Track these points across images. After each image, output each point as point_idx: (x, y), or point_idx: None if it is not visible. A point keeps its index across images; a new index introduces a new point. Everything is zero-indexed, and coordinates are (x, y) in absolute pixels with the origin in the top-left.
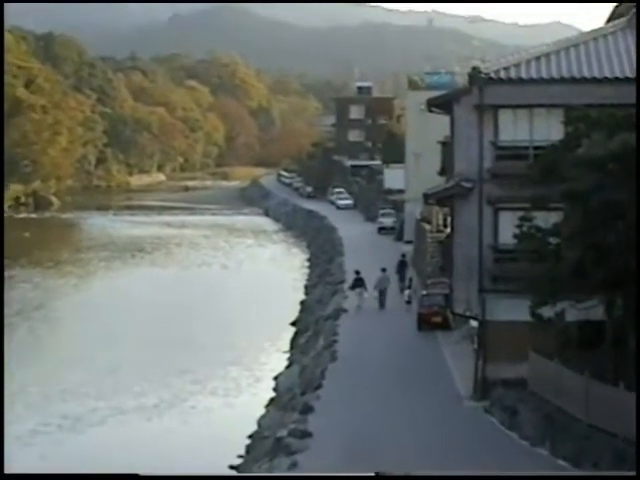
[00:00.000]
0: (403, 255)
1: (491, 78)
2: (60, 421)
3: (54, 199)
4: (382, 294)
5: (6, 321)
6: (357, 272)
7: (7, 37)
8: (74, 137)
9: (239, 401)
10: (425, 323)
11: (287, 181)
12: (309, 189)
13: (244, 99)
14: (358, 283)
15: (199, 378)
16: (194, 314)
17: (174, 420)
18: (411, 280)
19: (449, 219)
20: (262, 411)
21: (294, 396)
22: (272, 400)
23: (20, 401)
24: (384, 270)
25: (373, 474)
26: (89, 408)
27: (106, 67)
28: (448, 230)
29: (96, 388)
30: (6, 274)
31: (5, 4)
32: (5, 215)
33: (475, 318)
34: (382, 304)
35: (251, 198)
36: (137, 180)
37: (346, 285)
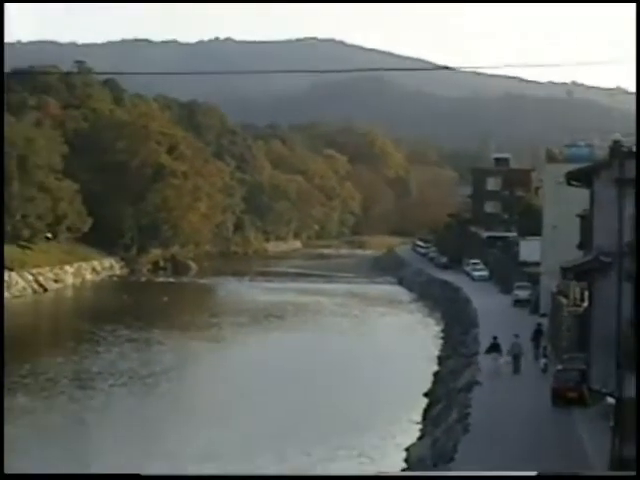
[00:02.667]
0: (539, 324)
1: (632, 152)
2: None
3: (192, 264)
4: (516, 359)
5: (145, 381)
6: (494, 337)
7: (153, 105)
8: (213, 203)
9: (369, 470)
10: (560, 398)
11: (422, 251)
12: (444, 259)
13: (381, 168)
14: (494, 348)
15: (330, 446)
16: (327, 381)
17: None
18: (545, 348)
19: (586, 293)
20: None
21: (425, 468)
22: (404, 471)
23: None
24: (517, 336)
25: (373, 474)
26: (224, 471)
27: (246, 135)
28: (585, 304)
29: (234, 450)
30: (144, 336)
31: (5, 4)
32: (144, 279)
33: (612, 395)
34: (516, 369)
35: (386, 267)
36: (273, 247)
37: (479, 357)
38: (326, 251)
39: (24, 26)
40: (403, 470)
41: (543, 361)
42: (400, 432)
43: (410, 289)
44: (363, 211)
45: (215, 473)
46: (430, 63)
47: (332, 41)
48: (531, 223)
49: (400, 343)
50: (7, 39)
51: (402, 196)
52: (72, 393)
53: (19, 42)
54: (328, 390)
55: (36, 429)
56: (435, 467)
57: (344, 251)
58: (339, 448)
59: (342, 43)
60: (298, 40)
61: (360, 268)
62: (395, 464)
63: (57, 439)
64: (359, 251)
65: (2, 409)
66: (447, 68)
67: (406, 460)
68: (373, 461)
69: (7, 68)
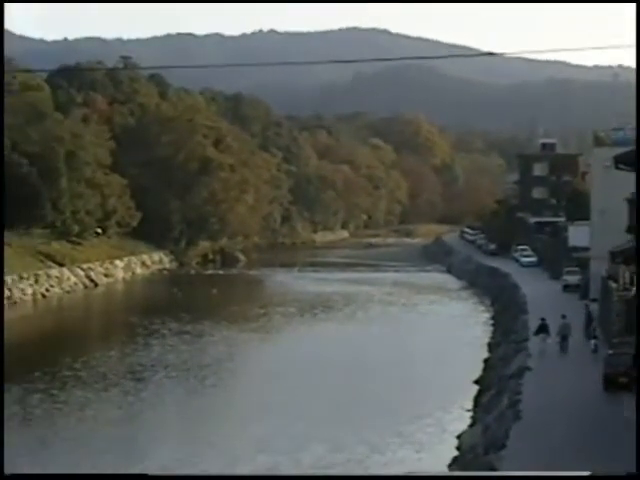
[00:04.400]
0: (587, 305)
1: None
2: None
3: (241, 256)
4: (564, 339)
5: (196, 372)
6: (542, 319)
7: (198, 99)
8: (260, 195)
9: (423, 458)
10: (612, 383)
11: (470, 238)
12: (492, 246)
13: (427, 156)
14: (542, 329)
15: (384, 435)
16: (378, 370)
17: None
18: (595, 329)
19: (636, 277)
20: (445, 470)
21: (477, 456)
22: (455, 459)
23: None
24: (564, 317)
25: (373, 474)
26: (274, 463)
27: (292, 126)
28: (635, 289)
29: (289, 441)
30: (194, 328)
31: (5, 4)
32: (193, 272)
33: None
34: (564, 349)
35: (434, 255)
36: (321, 237)
37: (529, 343)
38: (374, 240)
39: (70, 24)
40: (454, 458)
41: (593, 342)
42: (452, 419)
43: (459, 277)
44: (410, 200)
45: (215, 473)
46: (475, 50)
47: (375, 30)
48: (579, 208)
49: (450, 331)
50: (54, 37)
51: (449, 184)
52: (125, 386)
53: (65, 39)
54: (379, 379)
55: (94, 422)
56: (486, 454)
57: (392, 240)
58: (393, 436)
59: (386, 32)
60: (341, 30)
61: (408, 257)
62: (447, 452)
63: (113, 432)
64: (407, 240)
65: (2, 409)
66: (492, 54)
67: (458, 448)
68: (426, 449)
69: (55, 65)
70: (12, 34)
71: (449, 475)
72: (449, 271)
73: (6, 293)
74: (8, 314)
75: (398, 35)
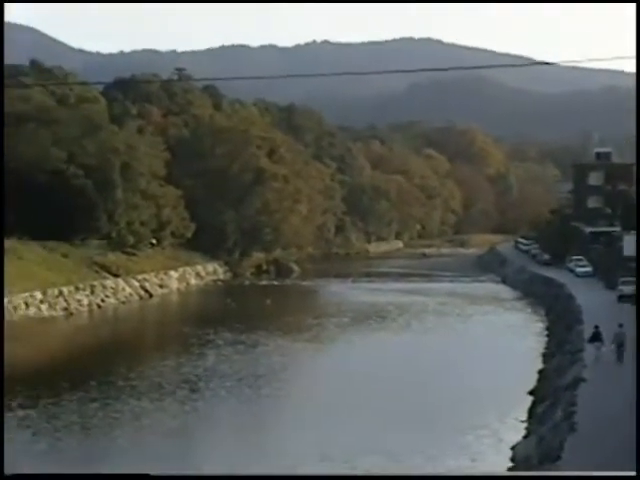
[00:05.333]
0: None
1: None
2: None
3: (294, 266)
4: (620, 347)
5: (249, 382)
6: (596, 327)
7: (252, 110)
8: (314, 205)
9: (478, 468)
10: None
11: (524, 248)
12: (546, 256)
13: (481, 166)
14: (596, 337)
15: (439, 445)
16: (432, 380)
17: None
18: None
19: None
20: None
21: (531, 467)
22: (509, 470)
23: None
24: (621, 326)
25: (374, 474)
26: (329, 472)
27: (345, 136)
28: None
29: (345, 450)
30: (249, 339)
31: (5, 4)
32: (247, 282)
33: None
34: (620, 357)
35: (488, 265)
36: (375, 247)
37: (584, 353)
38: (428, 250)
39: (126, 37)
40: (509, 469)
41: None
42: (506, 430)
43: (513, 287)
44: (464, 210)
45: (216, 473)
46: (529, 59)
47: (429, 40)
48: (635, 217)
49: (504, 341)
50: (110, 50)
51: (503, 194)
52: (180, 395)
53: (121, 52)
54: (434, 389)
55: (150, 432)
56: (541, 466)
57: (446, 250)
58: (448, 446)
59: (439, 42)
60: (394, 40)
61: (462, 267)
62: (502, 462)
63: (169, 441)
64: (461, 250)
65: (2, 410)
66: (547, 64)
67: (512, 459)
68: (481, 459)
69: (110, 78)
70: (71, 48)
71: (449, 475)
72: (503, 281)
73: (62, 304)
74: (65, 325)
75: (452, 45)
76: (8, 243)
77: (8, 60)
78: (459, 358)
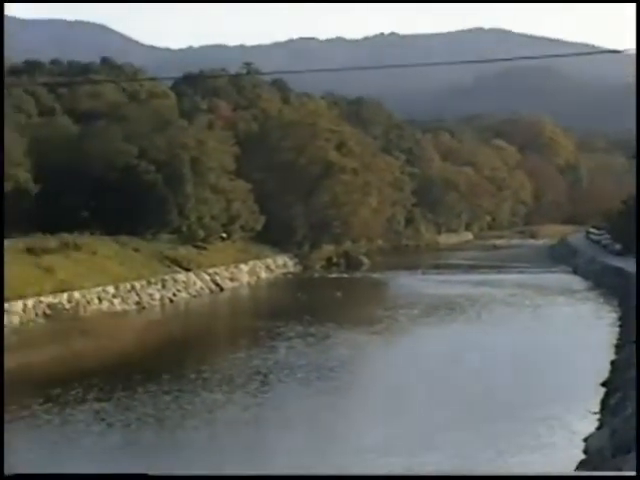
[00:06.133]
0: None
1: None
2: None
3: (364, 259)
4: None
5: (320, 374)
6: None
7: (320, 103)
8: (383, 198)
9: (551, 460)
10: None
11: (595, 238)
12: (618, 246)
13: (551, 157)
14: None
15: (510, 438)
16: (501, 371)
17: None
18: None
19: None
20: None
21: (604, 458)
22: (583, 461)
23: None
24: None
25: (374, 474)
26: (411, 463)
27: (414, 128)
28: None
29: (414, 442)
30: (319, 331)
31: (5, 4)
32: (317, 275)
33: None
34: None
35: (559, 256)
36: (445, 239)
37: None
38: (498, 242)
39: (194, 32)
40: (581, 462)
41: None
42: (578, 422)
43: (585, 277)
44: (534, 200)
45: (216, 473)
46: (596, 48)
47: (498, 30)
48: None
49: (576, 332)
50: (179, 45)
51: (573, 184)
52: (251, 388)
53: (190, 47)
54: (505, 380)
55: (222, 424)
56: (614, 458)
57: (516, 241)
58: (519, 438)
59: (509, 32)
60: (463, 31)
61: (533, 258)
62: (575, 454)
63: (242, 433)
64: (531, 241)
65: (2, 410)
66: (615, 52)
67: (585, 451)
68: (553, 451)
69: (179, 73)
70: (141, 45)
71: (449, 475)
72: (575, 272)
73: (135, 298)
74: (137, 319)
75: (521, 35)
76: (82, 238)
77: (80, 58)
78: (530, 349)
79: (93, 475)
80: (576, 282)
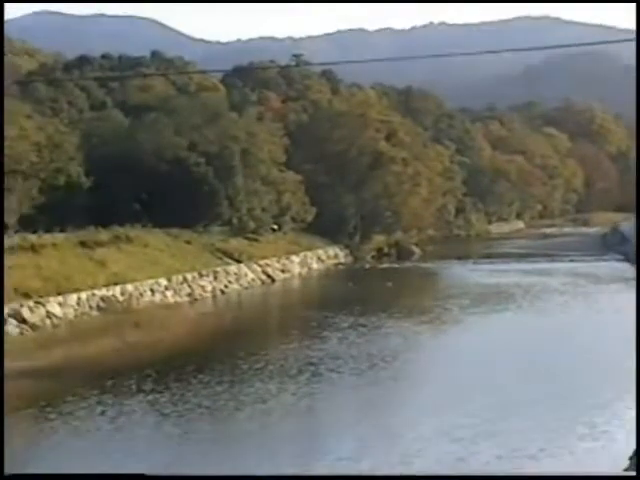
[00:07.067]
0: None
1: None
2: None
3: (415, 249)
4: None
5: (372, 363)
6: None
7: (370, 93)
8: (434, 188)
9: (604, 452)
10: None
11: None
12: None
13: (602, 144)
14: None
15: (565, 433)
16: (555, 360)
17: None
18: None
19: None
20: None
21: None
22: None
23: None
24: None
25: (374, 475)
26: (470, 451)
27: (464, 118)
28: None
29: (468, 433)
30: (370, 321)
31: (5, 4)
32: (368, 265)
33: None
34: None
35: (611, 244)
36: (496, 228)
37: None
38: (549, 230)
39: (244, 25)
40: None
41: None
42: (632, 411)
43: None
44: (586, 188)
45: (217, 473)
46: None
47: (547, 18)
48: None
49: (629, 321)
50: (228, 38)
51: (624, 172)
52: (302, 378)
53: (239, 40)
54: (557, 369)
55: (276, 414)
56: None
57: (568, 229)
58: (573, 427)
59: (558, 19)
60: (512, 20)
61: (585, 246)
62: (630, 444)
63: (296, 423)
64: (583, 229)
65: (2, 410)
66: None
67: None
68: (607, 441)
69: (229, 65)
70: (192, 38)
71: (449, 475)
72: (627, 260)
73: (187, 290)
74: (189, 310)
75: (570, 22)
76: (133, 231)
77: (131, 52)
78: (584, 338)
79: (93, 475)
80: (628, 270)
